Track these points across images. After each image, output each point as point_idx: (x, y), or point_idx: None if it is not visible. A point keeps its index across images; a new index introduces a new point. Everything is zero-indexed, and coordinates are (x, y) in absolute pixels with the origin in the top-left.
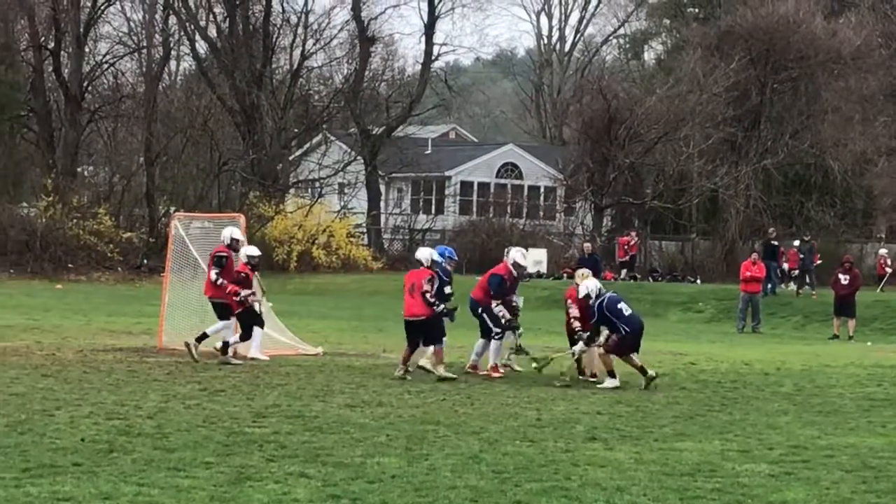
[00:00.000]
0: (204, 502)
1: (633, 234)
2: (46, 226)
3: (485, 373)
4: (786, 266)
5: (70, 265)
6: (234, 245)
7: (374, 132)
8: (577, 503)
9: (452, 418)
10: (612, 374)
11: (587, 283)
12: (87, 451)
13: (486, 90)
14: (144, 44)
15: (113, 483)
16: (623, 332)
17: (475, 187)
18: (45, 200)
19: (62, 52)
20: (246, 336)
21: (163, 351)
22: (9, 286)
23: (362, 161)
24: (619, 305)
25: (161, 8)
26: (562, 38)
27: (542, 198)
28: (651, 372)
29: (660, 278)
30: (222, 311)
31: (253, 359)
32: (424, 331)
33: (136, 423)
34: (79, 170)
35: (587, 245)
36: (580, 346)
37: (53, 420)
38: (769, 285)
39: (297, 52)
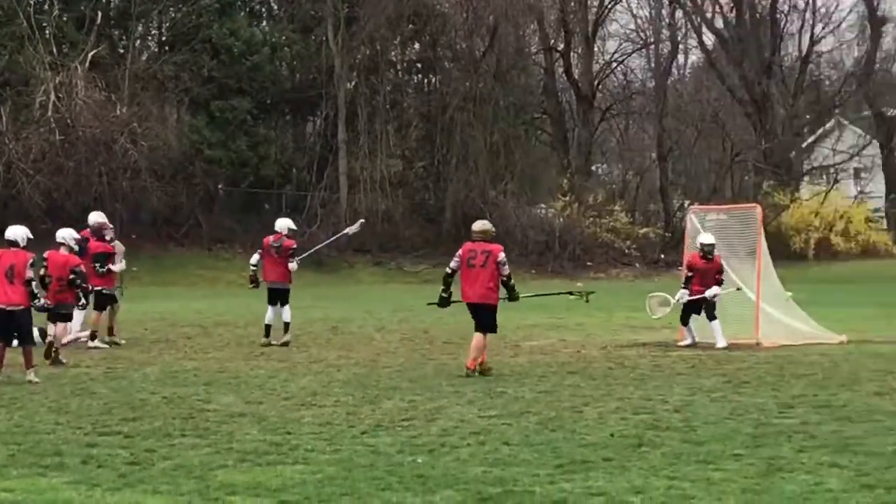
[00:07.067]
0: (736, 494)
1: None
2: (564, 225)
3: None
4: None
5: (589, 263)
6: None
7: (889, 114)
8: None
9: None
10: None
11: None
12: (616, 446)
13: None
14: (652, 39)
15: (644, 477)
16: None
17: None
18: (562, 200)
19: (572, 53)
20: None
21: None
22: (531, 286)
23: (878, 144)
24: None
25: (667, 2)
26: None
27: None
28: None
29: None
30: None
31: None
32: None
33: (663, 417)
34: (593, 168)
35: None
36: None
37: (582, 416)
38: None
39: (805, 38)
